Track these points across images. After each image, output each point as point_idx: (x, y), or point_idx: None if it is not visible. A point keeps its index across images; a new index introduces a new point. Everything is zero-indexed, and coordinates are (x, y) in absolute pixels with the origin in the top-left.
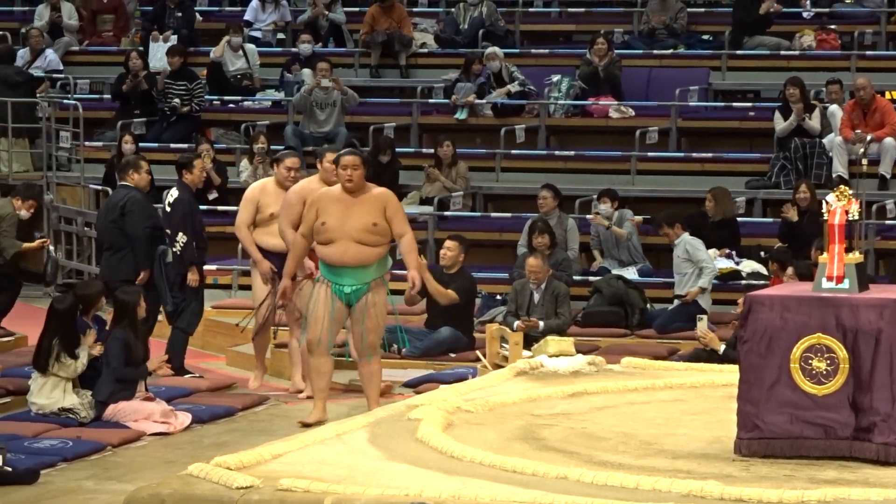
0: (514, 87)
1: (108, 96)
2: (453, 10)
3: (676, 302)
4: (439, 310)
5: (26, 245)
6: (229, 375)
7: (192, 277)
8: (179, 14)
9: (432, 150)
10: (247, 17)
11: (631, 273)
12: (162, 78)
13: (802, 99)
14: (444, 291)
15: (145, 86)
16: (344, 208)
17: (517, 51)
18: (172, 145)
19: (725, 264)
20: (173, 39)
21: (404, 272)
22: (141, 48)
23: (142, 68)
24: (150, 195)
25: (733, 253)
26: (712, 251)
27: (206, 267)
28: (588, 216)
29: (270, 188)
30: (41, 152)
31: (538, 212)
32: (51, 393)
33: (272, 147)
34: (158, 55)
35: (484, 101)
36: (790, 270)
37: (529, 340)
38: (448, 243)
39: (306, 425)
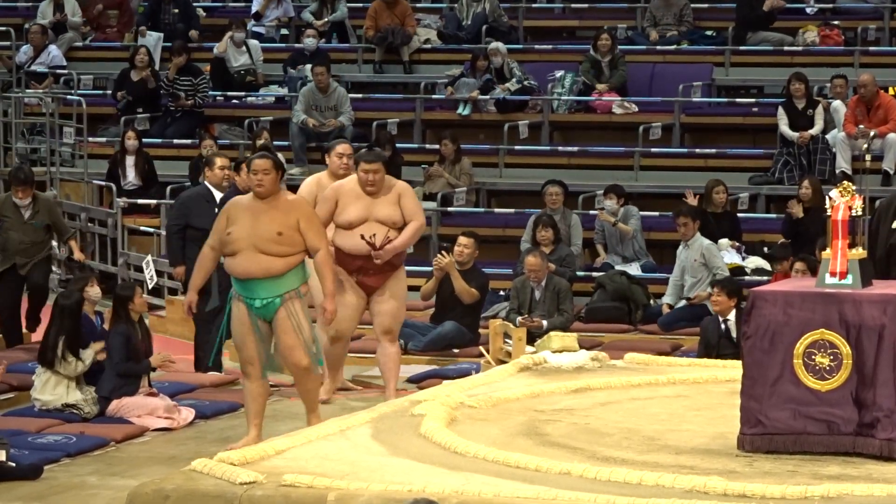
0: (512, 86)
1: (112, 92)
2: (455, 5)
3: (683, 302)
4: (448, 306)
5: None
6: (232, 371)
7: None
8: (176, 10)
9: (436, 146)
10: (254, 8)
11: (634, 269)
12: (171, 72)
13: (806, 95)
14: (470, 290)
15: (153, 83)
16: (252, 217)
17: (520, 46)
18: (176, 141)
19: (732, 259)
20: (152, 35)
21: (425, 268)
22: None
23: (147, 65)
24: (154, 189)
25: (742, 247)
26: (724, 241)
27: None
28: (592, 212)
29: (325, 181)
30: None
31: (541, 208)
32: (54, 389)
33: (276, 143)
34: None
35: (488, 97)
36: (799, 265)
37: (532, 336)
38: (464, 240)
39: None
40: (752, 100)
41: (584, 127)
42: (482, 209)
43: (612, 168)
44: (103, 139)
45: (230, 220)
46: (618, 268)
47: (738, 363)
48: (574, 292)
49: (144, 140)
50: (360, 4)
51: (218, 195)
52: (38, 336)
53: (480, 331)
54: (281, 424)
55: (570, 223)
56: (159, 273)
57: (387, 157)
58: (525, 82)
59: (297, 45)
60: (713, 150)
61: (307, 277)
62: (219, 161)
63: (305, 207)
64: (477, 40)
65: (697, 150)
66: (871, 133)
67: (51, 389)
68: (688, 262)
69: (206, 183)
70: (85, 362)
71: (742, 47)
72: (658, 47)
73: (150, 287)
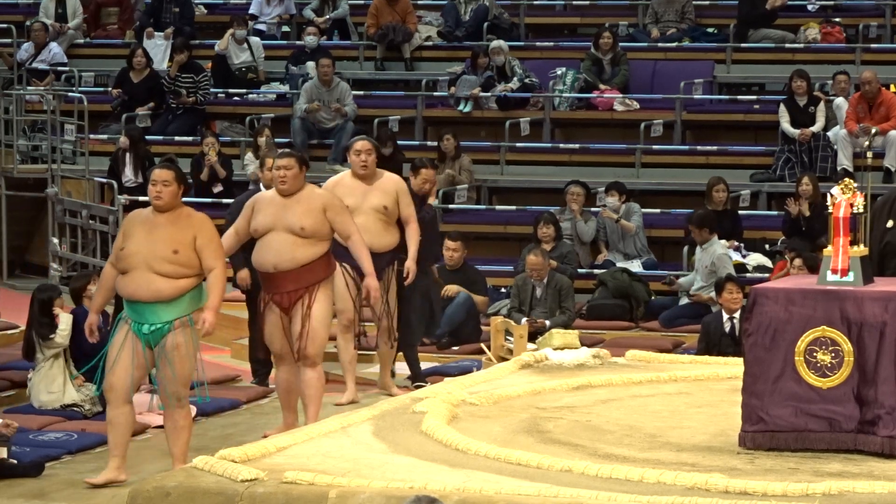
0: (514, 84)
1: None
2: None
3: (685, 299)
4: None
5: None
6: (234, 368)
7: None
8: (177, 9)
9: (437, 144)
10: (252, 10)
11: (635, 266)
12: (173, 70)
13: (808, 91)
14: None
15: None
16: (147, 232)
17: (522, 44)
18: (177, 138)
19: (732, 257)
20: (160, 36)
21: None
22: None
23: (145, 65)
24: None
25: (741, 246)
26: (722, 242)
27: None
28: (594, 209)
29: (347, 180)
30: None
31: (542, 205)
32: (50, 387)
33: (277, 140)
34: (151, 51)
35: (489, 94)
36: (797, 262)
37: (534, 333)
38: (452, 244)
39: (95, 486)
40: (754, 97)
41: (586, 124)
42: (483, 206)
43: (614, 165)
44: (104, 136)
45: (125, 236)
46: (619, 265)
47: (740, 360)
48: (575, 290)
49: (147, 137)
50: (362, 1)
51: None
52: None
53: (482, 328)
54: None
55: (587, 223)
56: None
57: (304, 156)
58: (526, 80)
59: (298, 42)
60: (714, 148)
61: (203, 303)
62: (270, 161)
63: (205, 224)
64: (478, 37)
65: (699, 148)
66: (873, 130)
67: (46, 388)
68: (700, 265)
69: (260, 184)
70: (61, 326)
71: (743, 44)
72: (659, 44)
73: None
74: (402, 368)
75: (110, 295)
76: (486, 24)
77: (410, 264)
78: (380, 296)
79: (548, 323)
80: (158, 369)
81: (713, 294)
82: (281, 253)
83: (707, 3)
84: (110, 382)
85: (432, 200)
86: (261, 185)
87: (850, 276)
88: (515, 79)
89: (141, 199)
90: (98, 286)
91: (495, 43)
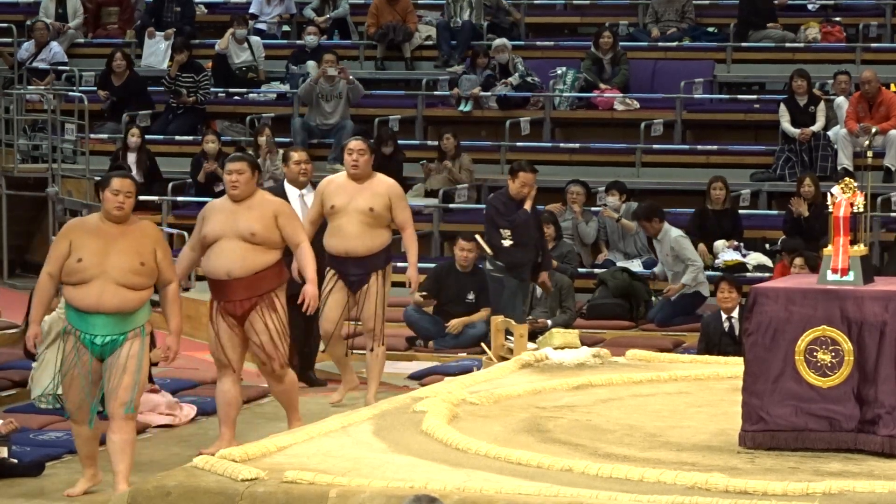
0: (514, 80)
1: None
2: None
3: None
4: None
5: None
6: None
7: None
8: (178, 9)
9: (437, 143)
10: (252, 9)
11: (636, 266)
12: (173, 69)
13: (809, 91)
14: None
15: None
16: (104, 243)
17: (522, 43)
18: (178, 137)
19: (732, 256)
20: (160, 36)
21: (427, 265)
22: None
23: (125, 68)
24: (156, 186)
25: (741, 245)
26: (720, 242)
27: None
28: (594, 208)
29: (339, 180)
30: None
31: (542, 204)
32: (51, 371)
33: (277, 139)
34: (151, 50)
35: (489, 93)
36: (798, 261)
37: (534, 333)
38: (467, 245)
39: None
40: (754, 96)
41: (586, 123)
42: (483, 206)
43: (614, 165)
44: (105, 136)
45: (74, 247)
46: (619, 264)
47: (740, 360)
48: (576, 289)
49: (147, 136)
50: (362, 1)
51: (294, 192)
52: None
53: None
54: (282, 421)
55: (587, 220)
56: None
57: (257, 161)
58: (528, 78)
59: (298, 41)
60: (715, 147)
61: (150, 315)
62: (295, 155)
63: (159, 236)
64: (478, 37)
65: (699, 147)
66: (873, 130)
67: (49, 374)
68: (661, 256)
69: (283, 180)
70: (52, 313)
71: (744, 44)
72: (660, 44)
73: None
74: (403, 368)
75: (48, 305)
76: (486, 24)
77: (411, 273)
78: (317, 304)
79: (549, 323)
80: (109, 379)
81: (685, 279)
82: (233, 260)
83: (707, 2)
84: (79, 401)
85: (528, 205)
86: (285, 182)
87: (851, 276)
88: (517, 74)
89: (142, 198)
90: (37, 298)
91: (499, 41)
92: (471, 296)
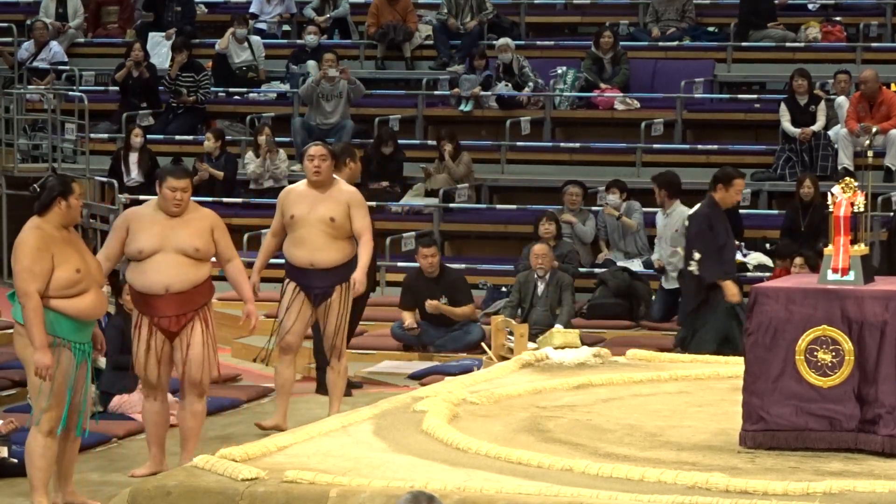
0: (528, 90)
1: (115, 88)
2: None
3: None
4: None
5: None
6: (234, 367)
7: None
8: (179, 8)
9: (437, 143)
10: (252, 9)
11: (636, 265)
12: (174, 69)
13: (809, 90)
14: (464, 311)
15: (146, 74)
16: (80, 255)
17: (522, 43)
18: (178, 137)
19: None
20: (161, 36)
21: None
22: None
23: (142, 59)
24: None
25: (742, 245)
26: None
27: None
28: (594, 208)
29: (300, 188)
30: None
31: (543, 204)
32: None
33: (277, 139)
34: (154, 51)
35: (489, 93)
36: (799, 260)
37: (534, 332)
38: (428, 251)
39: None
40: (755, 96)
41: (586, 123)
42: (484, 205)
43: (614, 164)
44: (105, 135)
45: (56, 259)
46: (620, 264)
47: (740, 359)
48: (576, 288)
49: (147, 136)
50: (362, 0)
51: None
52: None
53: (483, 327)
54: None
55: (584, 220)
56: None
57: (193, 173)
58: (531, 83)
59: (298, 41)
60: (715, 147)
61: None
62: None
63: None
64: (478, 36)
65: (699, 147)
66: (874, 129)
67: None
68: (666, 231)
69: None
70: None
71: (744, 43)
72: (660, 44)
73: None
74: (403, 368)
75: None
76: (485, 24)
77: (358, 275)
78: (255, 324)
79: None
80: (77, 390)
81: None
82: (174, 275)
83: (707, 2)
84: (62, 415)
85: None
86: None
87: (851, 276)
88: (529, 83)
89: (142, 197)
90: (35, 322)
91: (502, 40)
92: (443, 299)
